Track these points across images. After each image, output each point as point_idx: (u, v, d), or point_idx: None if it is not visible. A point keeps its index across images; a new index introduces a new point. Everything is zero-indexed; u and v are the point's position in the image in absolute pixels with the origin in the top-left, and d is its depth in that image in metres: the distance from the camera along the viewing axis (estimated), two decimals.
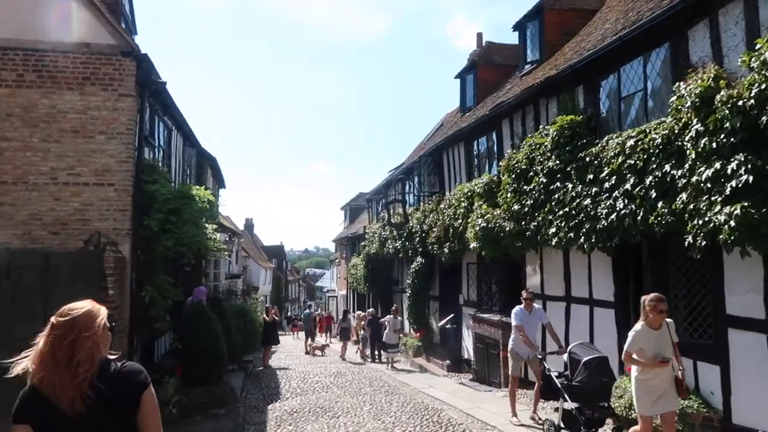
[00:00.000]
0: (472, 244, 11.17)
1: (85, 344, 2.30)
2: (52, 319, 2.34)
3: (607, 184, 7.76)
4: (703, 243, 6.05)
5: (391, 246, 19.06)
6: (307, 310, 24.82)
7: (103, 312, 2.48)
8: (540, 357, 7.57)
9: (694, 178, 6.12)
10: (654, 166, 6.80)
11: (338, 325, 23.56)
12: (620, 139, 7.58)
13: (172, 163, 12.17)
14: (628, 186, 7.25)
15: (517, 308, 8.27)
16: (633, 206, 7.18)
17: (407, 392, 11.72)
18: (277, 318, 20.36)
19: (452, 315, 14.77)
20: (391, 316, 16.94)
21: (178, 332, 10.01)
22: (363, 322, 20.20)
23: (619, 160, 7.46)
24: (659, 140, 6.72)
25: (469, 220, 12.06)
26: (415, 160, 16.88)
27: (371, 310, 19.67)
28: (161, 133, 11.16)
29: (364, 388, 12.29)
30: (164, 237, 8.23)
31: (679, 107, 6.53)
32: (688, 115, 6.32)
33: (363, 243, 23.87)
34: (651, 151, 6.90)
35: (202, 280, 15.42)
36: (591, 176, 8.07)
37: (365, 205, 35.30)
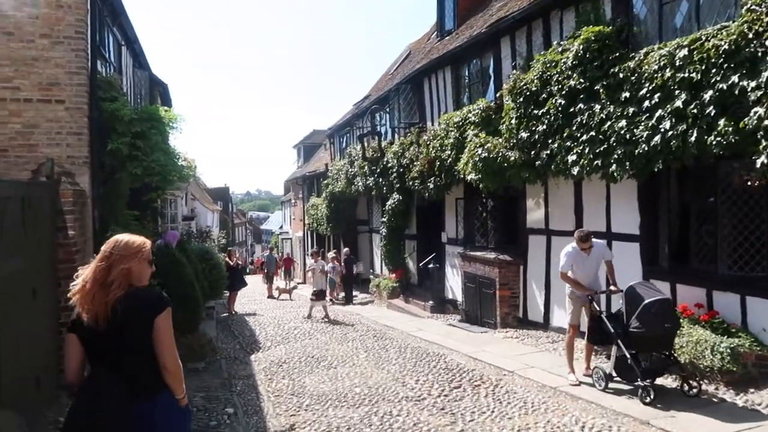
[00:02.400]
0: (470, 177, 10.21)
1: (118, 268, 2.66)
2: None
3: (647, 103, 6.86)
4: None
5: (360, 183, 17.92)
6: (267, 252, 23.57)
7: (143, 244, 2.82)
8: (590, 298, 6.68)
9: None
10: (718, 78, 5.91)
11: (309, 267, 22.43)
12: (667, 49, 6.64)
13: (123, 86, 10.47)
14: (678, 103, 6.37)
15: (569, 247, 7.02)
16: (684, 126, 6.33)
17: (396, 336, 10.95)
18: (240, 262, 19.15)
19: (434, 254, 13.98)
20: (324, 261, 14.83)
21: None
22: (330, 264, 19.21)
23: (667, 74, 6.55)
24: (725, 47, 5.81)
25: (463, 151, 11.06)
26: (391, 89, 15.57)
27: (346, 250, 18.67)
28: (111, 48, 9.45)
29: (349, 333, 11.44)
30: (131, 165, 6.84)
31: (754, 6, 5.62)
32: None
33: (326, 181, 22.60)
34: (712, 60, 6.00)
35: (159, 221, 13.94)
36: (627, 95, 7.15)
37: (320, 143, 33.78)
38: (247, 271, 33.92)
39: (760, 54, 5.53)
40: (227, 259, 16.03)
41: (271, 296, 21.30)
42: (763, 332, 6.26)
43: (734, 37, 5.77)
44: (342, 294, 18.86)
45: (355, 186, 18.69)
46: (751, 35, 5.63)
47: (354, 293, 18.85)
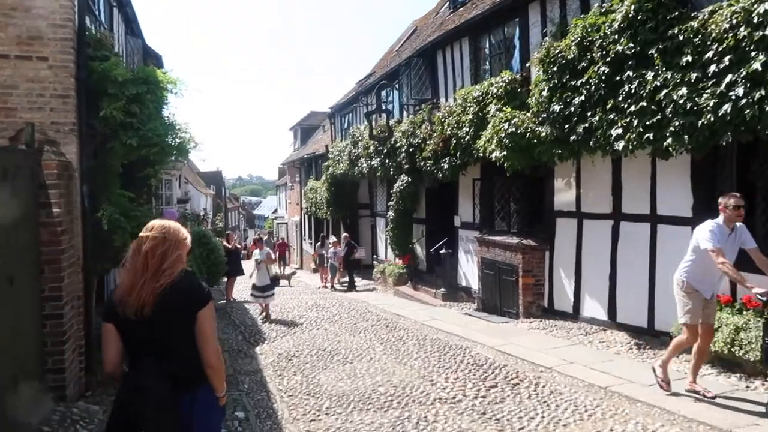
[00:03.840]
0: (494, 155, 9.37)
1: (174, 254, 2.62)
2: (143, 233, 2.66)
3: (714, 67, 6.04)
4: None
5: (365, 165, 17.05)
6: (265, 237, 22.70)
7: (185, 231, 2.78)
8: (763, 298, 5.01)
9: None
10: None
11: (315, 252, 21.65)
12: (741, 5, 5.81)
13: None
14: (756, 66, 5.55)
15: (712, 224, 5.30)
16: (762, 92, 5.52)
17: (410, 326, 10.18)
18: (239, 246, 18.31)
19: (446, 239, 13.18)
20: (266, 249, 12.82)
21: None
22: (332, 249, 18.43)
23: (742, 34, 5.72)
24: None
25: (484, 127, 10.22)
26: (401, 63, 14.65)
27: (346, 235, 17.84)
28: (102, 8, 8.50)
29: (360, 323, 10.66)
30: (124, 135, 5.96)
31: None
32: None
33: (326, 163, 21.69)
34: None
35: (153, 202, 13.05)
36: (688, 59, 6.31)
37: (318, 125, 32.83)
38: (241, 256, 32.84)
39: None
40: (225, 242, 15.18)
41: None
42: None
43: None
44: (345, 279, 18.11)
45: (358, 168, 17.81)
46: None
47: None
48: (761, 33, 5.55)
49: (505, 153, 9.24)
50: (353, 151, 18.23)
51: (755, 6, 5.62)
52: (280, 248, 27.88)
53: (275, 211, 48.69)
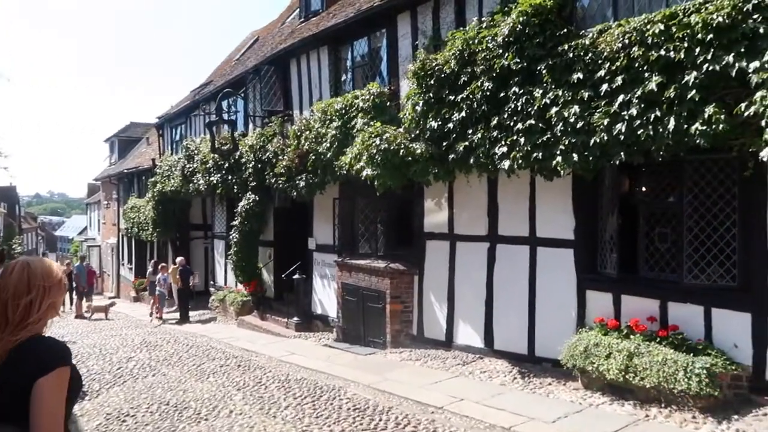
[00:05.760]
0: (366, 172, 8.60)
1: (45, 302, 2.10)
2: None
3: (606, 86, 5.91)
4: None
5: (202, 181, 15.30)
6: (78, 263, 19.46)
7: (58, 269, 2.23)
8: None
9: None
10: (707, 57, 5.08)
11: (147, 279, 18.90)
12: (633, 26, 5.74)
13: None
14: (652, 86, 5.47)
15: None
16: (657, 113, 5.45)
17: (266, 364, 8.93)
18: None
19: (299, 263, 12.10)
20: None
21: None
22: (161, 275, 16.24)
23: (636, 53, 5.63)
24: (720, 20, 4.99)
25: (348, 143, 9.46)
26: (248, 70, 13.31)
27: (181, 259, 15.78)
28: None
29: (205, 364, 9.11)
30: None
31: None
32: None
33: (153, 179, 19.30)
34: (698, 38, 5.17)
35: None
36: (579, 76, 6.14)
37: (139, 137, 29.79)
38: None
39: (761, 30, 4.78)
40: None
41: (80, 316, 17.49)
42: (734, 349, 5.59)
43: (728, 10, 4.98)
44: (172, 309, 16.06)
45: (194, 184, 15.97)
46: (747, 7, 4.88)
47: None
48: (656, 53, 5.49)
49: (377, 171, 8.51)
50: (188, 165, 16.34)
51: (648, 27, 5.56)
52: (89, 276, 24.21)
53: (83, 231, 43.06)
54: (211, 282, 17.54)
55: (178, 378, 8.24)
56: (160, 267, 16.74)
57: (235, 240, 13.56)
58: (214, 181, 14.60)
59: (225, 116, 13.33)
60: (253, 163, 12.82)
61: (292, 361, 9.05)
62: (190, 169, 16.20)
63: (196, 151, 16.07)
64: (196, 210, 19.71)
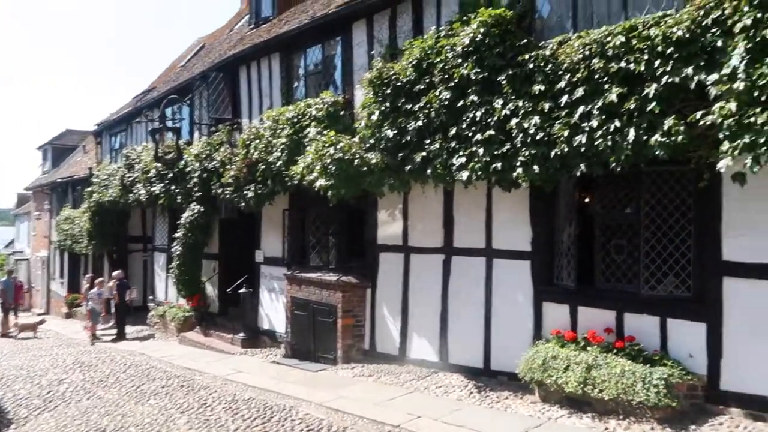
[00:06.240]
0: (320, 182, 8.33)
1: None
2: None
3: (566, 98, 5.91)
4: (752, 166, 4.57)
5: (143, 191, 14.60)
6: (5, 278, 18.12)
7: None
8: None
9: (739, 84, 4.59)
10: (667, 69, 5.14)
11: (83, 294, 17.70)
12: (593, 38, 5.77)
13: None
14: (612, 97, 5.49)
15: None
16: (617, 124, 5.47)
17: (212, 384, 8.48)
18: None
19: (246, 276, 11.65)
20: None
21: None
22: (96, 290, 15.31)
23: (596, 65, 5.66)
24: (680, 34, 5.06)
25: (299, 152, 9.19)
26: (195, 77, 12.84)
27: (119, 272, 14.93)
28: None
29: (145, 385, 8.57)
30: None
31: None
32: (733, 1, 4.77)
33: (90, 189, 18.33)
34: (658, 50, 5.22)
35: None
36: (540, 87, 6.11)
37: (75, 145, 28.46)
38: None
39: (719, 44, 4.87)
40: None
41: (5, 335, 16.28)
42: (689, 359, 5.62)
43: (687, 23, 5.06)
44: (107, 326, 15.18)
45: (134, 194, 15.22)
46: (706, 22, 4.97)
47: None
48: (616, 65, 5.52)
49: (331, 182, 8.26)
50: (128, 174, 15.58)
51: (609, 39, 5.60)
52: (17, 291, 22.67)
53: (10, 244, 40.54)
54: (151, 297, 16.71)
55: (115, 401, 7.68)
56: (97, 282, 15.80)
57: (177, 253, 12.94)
58: (157, 191, 13.95)
59: (169, 124, 12.75)
60: (198, 172, 12.32)
61: (238, 380, 8.63)
62: (131, 179, 15.45)
63: (137, 160, 15.35)
64: (136, 221, 18.82)
